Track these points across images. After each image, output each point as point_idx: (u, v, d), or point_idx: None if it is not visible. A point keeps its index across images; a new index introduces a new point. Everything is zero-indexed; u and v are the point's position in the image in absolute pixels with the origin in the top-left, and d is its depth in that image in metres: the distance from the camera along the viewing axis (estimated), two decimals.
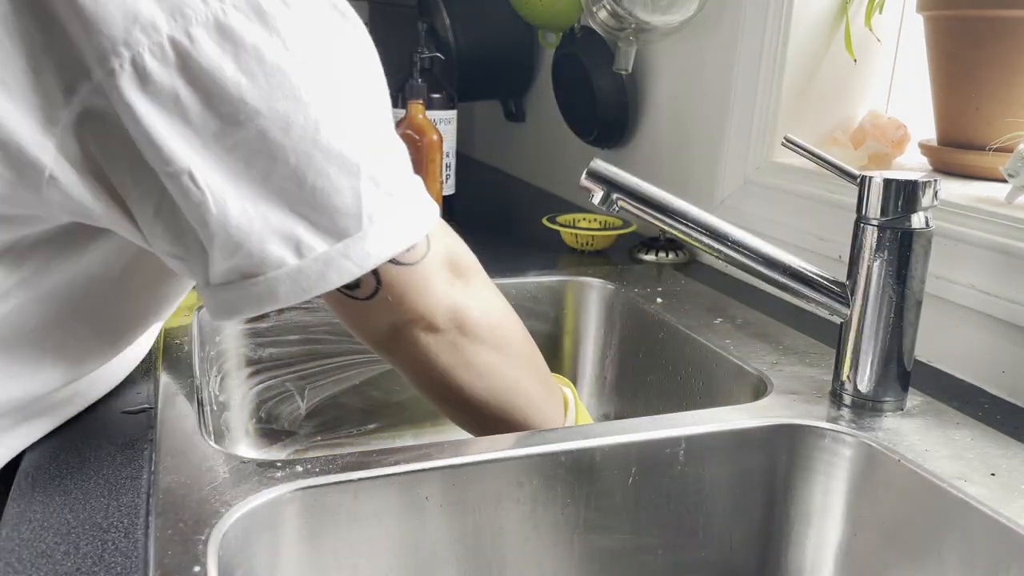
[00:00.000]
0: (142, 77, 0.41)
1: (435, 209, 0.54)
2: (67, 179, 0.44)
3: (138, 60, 0.41)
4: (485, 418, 0.60)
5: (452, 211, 1.18)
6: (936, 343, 0.73)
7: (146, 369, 0.67)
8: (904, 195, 0.60)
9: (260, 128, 0.44)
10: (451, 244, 0.56)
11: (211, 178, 0.44)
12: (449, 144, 1.13)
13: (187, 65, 0.42)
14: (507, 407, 0.60)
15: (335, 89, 0.47)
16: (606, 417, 0.94)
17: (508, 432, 0.59)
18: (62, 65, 0.42)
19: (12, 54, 0.42)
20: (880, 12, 0.91)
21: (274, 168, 0.45)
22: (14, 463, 0.54)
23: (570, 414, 0.66)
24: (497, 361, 0.58)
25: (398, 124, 1.05)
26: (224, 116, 0.43)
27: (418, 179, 0.55)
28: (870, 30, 0.92)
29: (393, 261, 0.50)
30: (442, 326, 0.55)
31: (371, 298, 0.52)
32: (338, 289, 0.49)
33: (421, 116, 1.04)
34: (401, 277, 0.52)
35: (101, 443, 0.55)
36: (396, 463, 0.53)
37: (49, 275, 0.51)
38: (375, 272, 0.50)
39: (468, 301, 0.56)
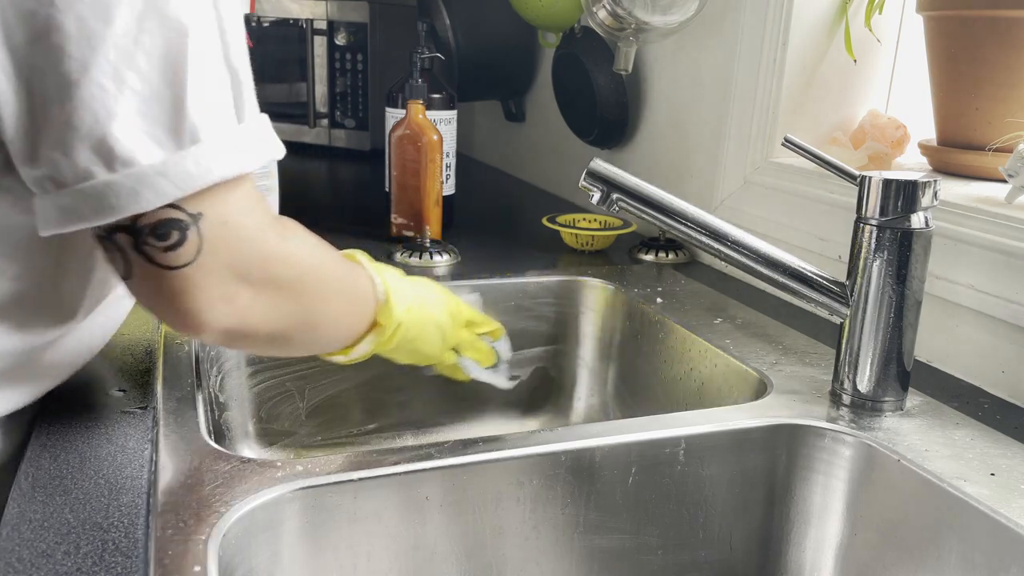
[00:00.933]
0: None
1: (241, 160, 0.46)
2: None
3: None
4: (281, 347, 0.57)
5: (452, 211, 1.18)
6: (936, 343, 0.73)
7: (146, 369, 0.67)
8: (904, 195, 0.60)
9: (79, 14, 0.41)
10: (246, 237, 0.48)
11: (8, 70, 0.41)
12: (449, 144, 1.13)
13: None
14: (308, 333, 0.57)
15: None
16: (606, 417, 0.94)
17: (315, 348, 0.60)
18: None
19: None
20: (880, 12, 0.91)
21: (92, 59, 0.41)
22: (14, 463, 0.54)
23: (370, 283, 0.62)
24: (280, 341, 0.54)
25: (398, 124, 1.05)
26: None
27: (257, 119, 0.49)
28: (870, 30, 0.92)
29: (147, 257, 0.45)
30: (217, 340, 0.50)
31: (128, 279, 0.47)
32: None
33: (421, 116, 1.04)
34: (157, 278, 0.45)
35: (101, 443, 0.55)
36: (396, 463, 0.53)
37: None
38: (123, 255, 0.45)
39: (253, 310, 0.49)
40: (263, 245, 0.49)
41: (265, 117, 0.50)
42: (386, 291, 0.63)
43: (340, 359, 0.65)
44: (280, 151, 0.50)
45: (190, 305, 0.46)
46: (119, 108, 0.42)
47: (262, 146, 0.48)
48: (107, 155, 0.42)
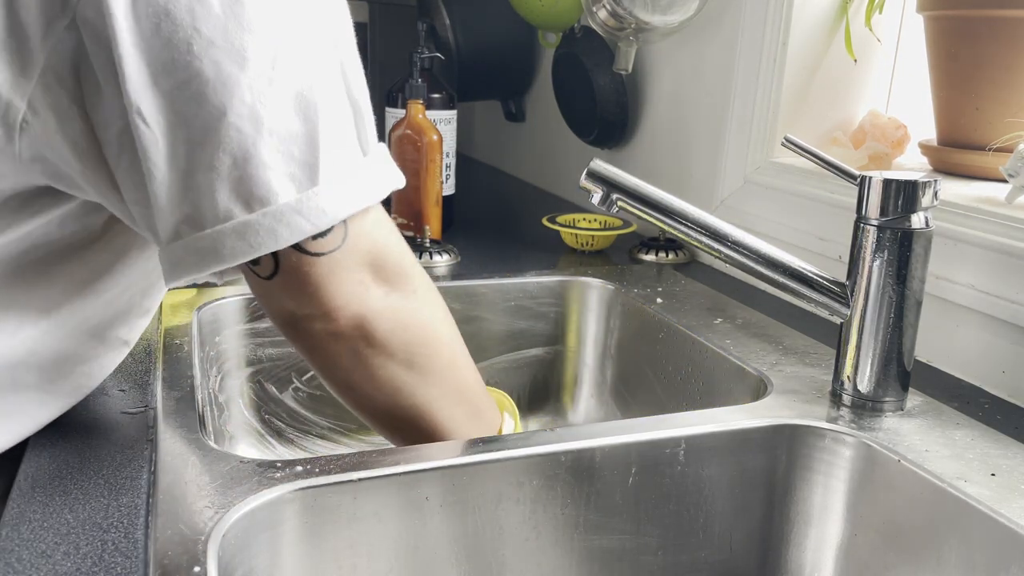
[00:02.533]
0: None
1: (371, 192, 0.49)
2: (42, 122, 0.44)
3: None
4: (385, 427, 0.57)
5: (452, 211, 1.18)
6: (936, 343, 0.73)
7: (146, 369, 0.67)
8: (904, 195, 0.60)
9: (215, 60, 0.42)
10: (382, 241, 0.51)
11: (157, 117, 0.43)
12: (449, 144, 1.13)
13: None
14: (412, 424, 0.56)
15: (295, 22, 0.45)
16: (606, 417, 0.94)
17: (413, 443, 0.56)
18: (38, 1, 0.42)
19: None
20: (880, 12, 0.91)
21: (228, 110, 0.43)
22: (14, 463, 0.54)
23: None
24: (406, 379, 0.54)
25: (398, 124, 1.05)
26: (176, 45, 0.42)
27: (377, 149, 0.51)
28: (870, 30, 0.92)
29: (297, 247, 0.47)
30: (344, 331, 0.51)
31: (271, 279, 0.49)
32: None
33: (421, 116, 1.04)
34: (303, 266, 0.48)
35: (101, 443, 0.55)
36: (396, 463, 0.53)
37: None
38: (274, 254, 0.47)
39: (382, 311, 0.51)
40: (398, 242, 0.52)
41: (383, 146, 0.52)
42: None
43: None
44: (401, 181, 0.52)
45: (331, 288, 0.49)
46: (257, 149, 0.44)
47: (387, 176, 0.51)
48: (247, 196, 0.44)
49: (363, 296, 0.50)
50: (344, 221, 0.48)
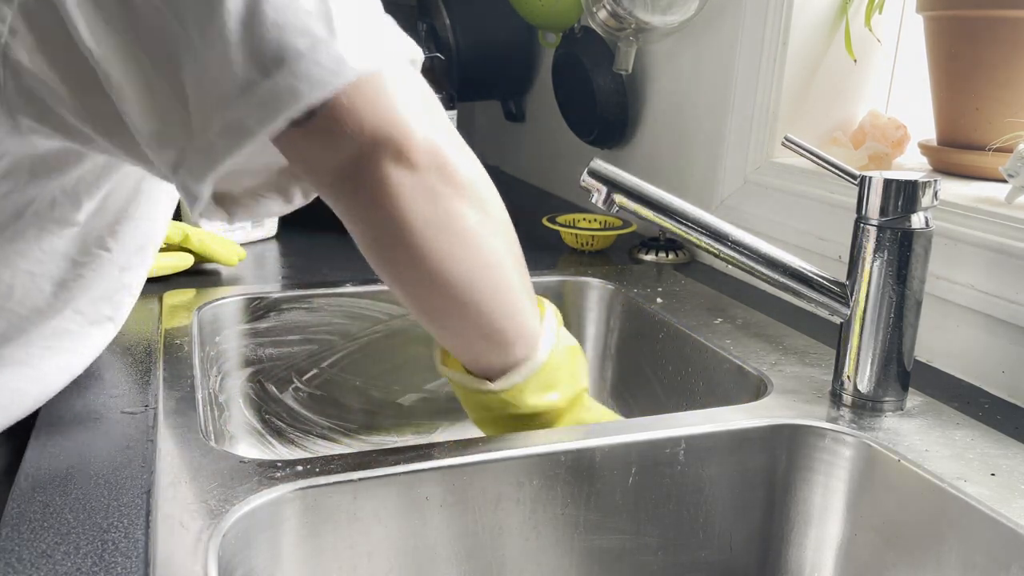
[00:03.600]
0: None
1: (403, 46, 0.47)
2: (25, 45, 0.43)
3: None
4: (450, 306, 0.51)
5: None
6: (936, 343, 0.73)
7: (146, 369, 0.67)
8: (904, 195, 0.60)
9: None
10: (429, 92, 0.49)
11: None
12: None
13: None
14: (482, 293, 0.51)
15: None
16: None
17: (469, 331, 0.51)
18: None
19: None
20: (880, 12, 0.91)
21: None
22: (14, 463, 0.54)
23: (548, 324, 0.57)
24: (480, 226, 0.49)
25: None
26: None
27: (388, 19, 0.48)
28: (870, 30, 0.92)
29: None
30: (419, 160, 0.46)
31: (332, 115, 0.44)
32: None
33: None
34: (369, 84, 0.44)
35: (101, 443, 0.55)
36: (396, 463, 0.53)
37: None
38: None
39: (450, 143, 0.48)
40: (447, 126, 0.49)
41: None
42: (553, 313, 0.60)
43: (490, 386, 0.57)
44: (420, 52, 0.49)
45: (400, 110, 0.45)
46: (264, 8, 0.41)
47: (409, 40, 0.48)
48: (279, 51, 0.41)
49: (428, 123, 0.46)
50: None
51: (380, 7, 0.47)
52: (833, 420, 0.62)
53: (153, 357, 0.69)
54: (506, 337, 0.54)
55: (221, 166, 0.43)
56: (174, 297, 0.83)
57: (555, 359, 0.57)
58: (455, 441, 0.56)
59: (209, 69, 0.42)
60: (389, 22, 0.48)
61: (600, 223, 1.11)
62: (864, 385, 0.63)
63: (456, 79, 1.45)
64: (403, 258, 0.49)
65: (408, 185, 0.46)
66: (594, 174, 0.62)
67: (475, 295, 0.50)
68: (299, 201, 0.54)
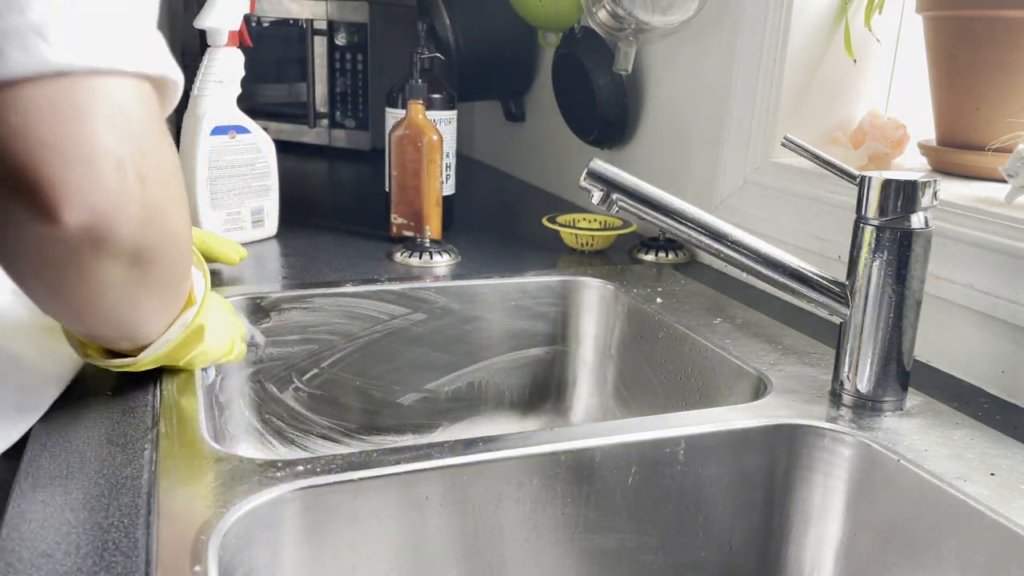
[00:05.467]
0: None
1: (137, 54, 0.40)
2: None
3: None
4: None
5: (452, 211, 1.18)
6: (936, 343, 0.73)
7: (146, 369, 0.67)
8: (904, 195, 0.60)
9: None
10: (126, 114, 0.40)
11: None
12: (449, 144, 1.13)
13: None
14: (102, 312, 0.49)
15: None
16: (606, 417, 0.94)
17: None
18: None
19: None
20: (880, 12, 0.91)
21: None
22: (14, 463, 0.54)
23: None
24: (124, 279, 0.46)
25: (398, 124, 1.05)
26: None
27: (156, 35, 0.42)
28: (870, 30, 0.92)
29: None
30: (69, 235, 0.39)
31: None
32: None
33: (421, 116, 1.04)
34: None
35: (101, 443, 0.55)
36: (396, 463, 0.53)
37: None
38: None
39: (121, 193, 0.40)
40: (150, 119, 0.42)
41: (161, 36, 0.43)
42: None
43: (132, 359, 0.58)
44: (180, 77, 0.44)
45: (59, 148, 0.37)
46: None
47: (161, 56, 0.42)
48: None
49: (98, 178, 0.39)
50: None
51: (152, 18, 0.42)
52: (833, 420, 0.62)
53: None
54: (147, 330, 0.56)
55: None
56: None
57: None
58: (455, 441, 0.56)
59: None
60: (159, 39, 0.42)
61: (600, 223, 1.11)
62: (864, 385, 0.63)
63: (456, 79, 1.46)
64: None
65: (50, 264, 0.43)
66: (594, 174, 0.62)
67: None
68: None
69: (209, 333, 0.61)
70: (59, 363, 0.61)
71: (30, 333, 0.59)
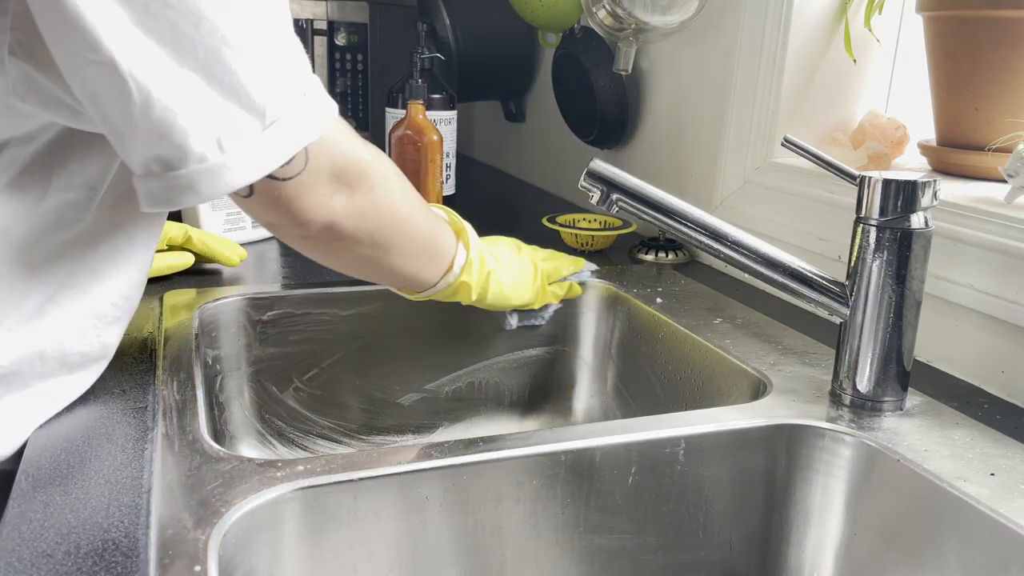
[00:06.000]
0: None
1: (321, 117, 0.54)
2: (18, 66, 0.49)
3: None
4: (359, 277, 0.70)
5: None
6: (936, 343, 0.73)
7: (146, 369, 0.67)
8: (904, 195, 0.60)
9: (170, 21, 0.45)
10: (340, 154, 0.57)
11: (134, 68, 0.45)
12: (449, 144, 1.13)
13: None
14: (380, 276, 0.70)
15: None
16: (606, 417, 0.94)
17: (408, 281, 0.72)
18: None
19: None
20: (880, 12, 0.91)
21: (185, 62, 0.46)
22: (14, 463, 0.54)
23: (453, 272, 0.74)
24: (371, 254, 0.64)
25: (398, 125, 1.05)
26: (133, 7, 0.44)
27: (310, 80, 0.54)
28: (870, 30, 0.92)
29: (269, 176, 0.52)
30: (315, 235, 0.59)
31: (248, 198, 0.54)
32: None
33: (421, 116, 1.04)
34: (275, 191, 0.54)
35: (101, 443, 0.55)
36: (396, 463, 0.53)
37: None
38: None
39: (346, 215, 0.59)
40: (353, 148, 0.59)
41: (316, 77, 0.57)
42: (462, 225, 0.77)
43: (417, 296, 0.76)
44: (334, 107, 0.57)
45: (299, 207, 0.56)
46: (218, 96, 0.48)
47: (327, 101, 0.55)
48: (218, 137, 0.48)
49: (328, 206, 0.58)
50: (305, 147, 0.53)
51: (309, 68, 0.55)
52: (833, 420, 0.62)
53: (153, 357, 0.69)
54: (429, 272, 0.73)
55: (163, 209, 0.50)
56: (174, 297, 0.83)
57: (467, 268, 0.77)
58: (455, 441, 0.56)
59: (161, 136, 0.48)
60: (317, 84, 0.55)
61: (600, 223, 1.11)
62: (864, 385, 0.63)
63: (456, 79, 1.46)
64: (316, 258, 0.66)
65: (308, 243, 0.61)
66: (594, 174, 0.62)
67: (373, 279, 0.72)
68: None
69: (477, 286, 0.78)
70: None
71: None
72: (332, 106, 0.56)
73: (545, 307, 0.89)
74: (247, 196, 0.54)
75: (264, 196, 0.54)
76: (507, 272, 0.81)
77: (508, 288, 0.81)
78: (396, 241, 0.66)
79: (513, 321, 0.88)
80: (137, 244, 0.62)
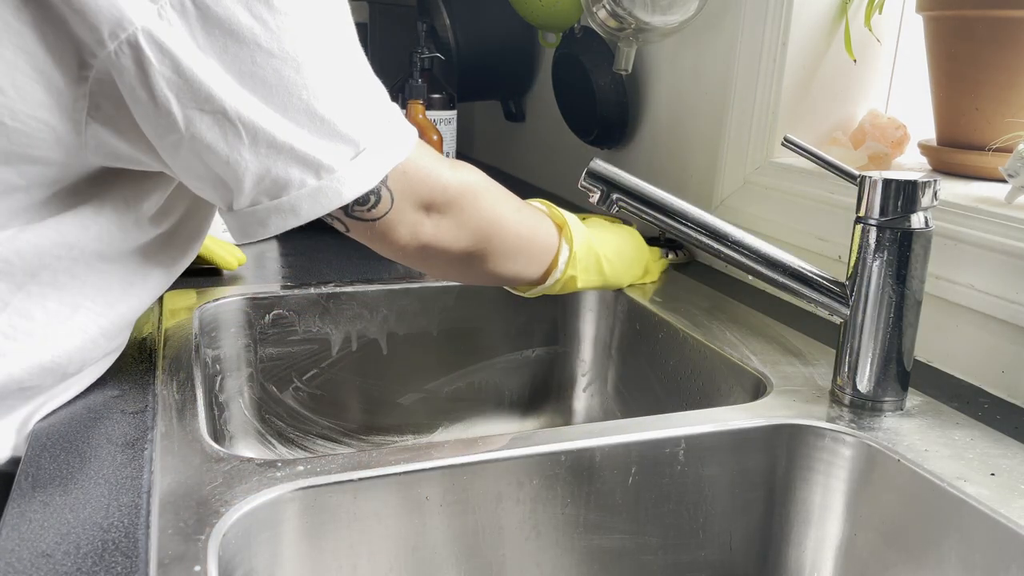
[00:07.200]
0: (166, 30, 0.47)
1: (404, 142, 0.59)
2: (97, 132, 0.52)
3: (163, 13, 0.47)
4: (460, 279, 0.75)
5: None
6: (936, 343, 0.73)
7: (146, 369, 0.67)
8: (904, 195, 0.60)
9: (275, 68, 0.50)
10: (423, 185, 0.61)
11: (243, 113, 0.50)
12: (449, 144, 1.13)
13: (206, 16, 0.48)
14: (482, 279, 0.73)
15: (326, 35, 0.53)
16: (606, 417, 0.94)
17: (515, 278, 0.75)
18: (72, 42, 0.48)
19: (25, 36, 0.48)
20: (880, 12, 0.91)
21: (290, 103, 0.52)
22: (14, 463, 0.54)
23: (557, 271, 0.77)
24: (471, 262, 0.69)
25: None
26: (241, 60, 0.49)
27: (392, 108, 0.59)
28: (870, 30, 0.92)
29: (351, 215, 0.58)
30: (412, 256, 0.64)
31: (347, 232, 0.61)
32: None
33: (421, 116, 1.04)
34: (368, 230, 0.60)
35: (101, 443, 0.55)
36: (396, 463, 0.53)
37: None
38: (340, 219, 0.59)
39: (437, 234, 0.64)
40: (438, 177, 0.62)
41: (396, 105, 0.61)
42: (563, 219, 0.78)
43: (529, 292, 0.79)
44: (415, 132, 0.61)
45: (392, 238, 0.62)
46: (314, 133, 0.53)
47: (408, 129, 0.60)
48: (316, 166, 0.54)
49: (420, 233, 0.63)
50: (387, 186, 0.58)
51: (386, 98, 0.59)
52: (833, 420, 0.62)
53: (153, 357, 0.69)
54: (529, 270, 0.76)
55: (262, 235, 0.57)
56: (174, 297, 0.83)
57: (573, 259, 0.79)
58: (455, 441, 0.56)
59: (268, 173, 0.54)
60: (397, 112, 0.60)
61: None
62: (864, 385, 0.63)
63: (456, 79, 1.46)
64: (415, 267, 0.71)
65: (405, 258, 0.65)
66: (594, 174, 0.62)
67: (475, 281, 0.74)
68: None
69: (584, 278, 0.80)
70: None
71: None
72: (412, 131, 0.60)
73: None
74: (345, 232, 0.60)
75: (360, 232, 0.60)
76: (616, 254, 0.85)
77: (620, 269, 0.86)
78: (491, 249, 0.69)
79: None
80: (164, 267, 0.65)
